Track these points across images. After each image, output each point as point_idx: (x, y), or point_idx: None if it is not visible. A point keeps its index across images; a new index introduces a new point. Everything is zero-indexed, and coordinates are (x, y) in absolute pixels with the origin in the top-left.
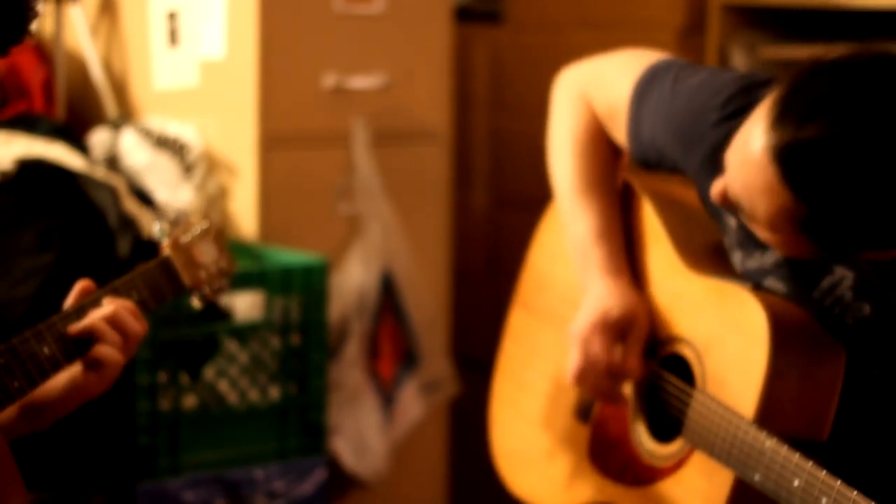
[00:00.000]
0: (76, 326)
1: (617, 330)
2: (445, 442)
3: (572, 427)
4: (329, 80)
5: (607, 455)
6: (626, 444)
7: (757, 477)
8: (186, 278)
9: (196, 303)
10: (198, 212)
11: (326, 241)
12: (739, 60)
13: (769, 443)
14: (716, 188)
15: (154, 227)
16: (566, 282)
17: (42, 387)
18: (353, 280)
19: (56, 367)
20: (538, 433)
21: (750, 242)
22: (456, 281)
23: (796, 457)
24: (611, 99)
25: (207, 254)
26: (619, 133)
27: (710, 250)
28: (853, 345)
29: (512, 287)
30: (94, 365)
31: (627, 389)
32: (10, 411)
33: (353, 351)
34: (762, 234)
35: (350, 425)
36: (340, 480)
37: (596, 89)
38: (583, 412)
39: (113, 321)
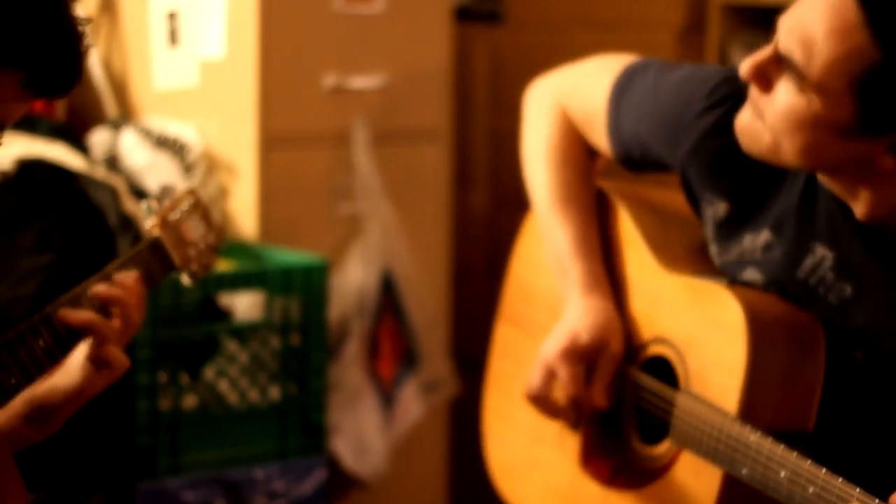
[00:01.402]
0: (73, 317)
1: (585, 355)
2: (445, 442)
3: (564, 435)
4: (329, 80)
5: (599, 460)
6: (616, 447)
7: (744, 471)
8: (176, 258)
9: (186, 279)
10: (184, 187)
11: (326, 241)
12: (739, 60)
13: (753, 437)
14: (747, 61)
15: (141, 206)
16: (548, 291)
17: (48, 389)
18: (353, 280)
19: (53, 358)
20: (530, 444)
21: (733, 231)
22: (456, 281)
23: (780, 448)
24: (588, 103)
25: (196, 230)
26: (599, 136)
27: (687, 250)
28: (838, 325)
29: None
30: (101, 365)
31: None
32: (17, 421)
33: (353, 351)
34: (795, 102)
35: (350, 425)
36: (340, 480)
37: (571, 96)
38: (574, 419)
39: (112, 301)
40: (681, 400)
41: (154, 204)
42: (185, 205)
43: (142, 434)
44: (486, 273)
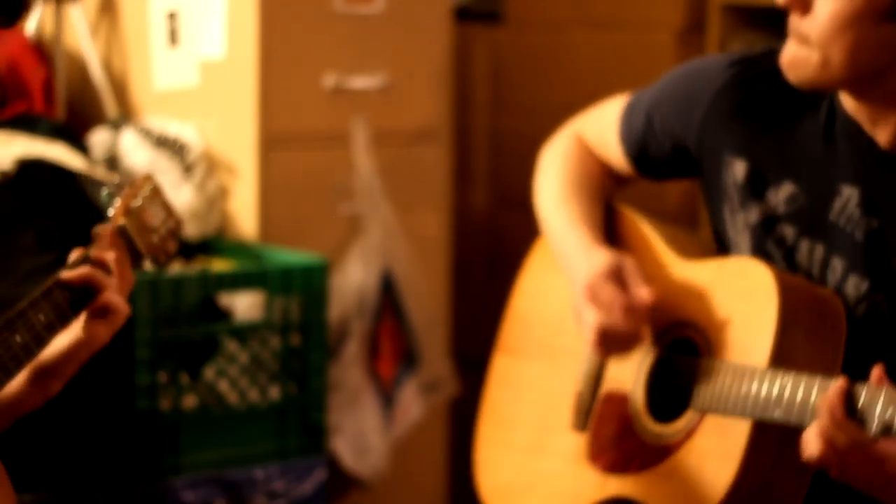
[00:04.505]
0: (69, 274)
1: (616, 276)
2: (445, 442)
3: (569, 441)
4: (329, 80)
5: (609, 453)
6: (628, 436)
7: (777, 413)
8: (141, 246)
9: (149, 265)
10: (140, 173)
11: (326, 241)
12: None
13: (786, 378)
14: None
15: (102, 192)
16: (550, 313)
17: (48, 351)
18: (353, 280)
19: (29, 354)
20: (530, 460)
21: (754, 191)
22: (456, 281)
23: (816, 380)
24: (601, 122)
25: (157, 216)
26: (612, 146)
27: (702, 249)
28: (865, 261)
29: (512, 287)
30: (101, 313)
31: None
32: (20, 381)
33: (353, 351)
34: (836, 5)
35: (350, 425)
36: (340, 480)
37: (586, 122)
38: (581, 420)
39: (103, 264)
40: (706, 366)
41: (115, 190)
42: (145, 191)
43: (142, 434)
44: (486, 273)
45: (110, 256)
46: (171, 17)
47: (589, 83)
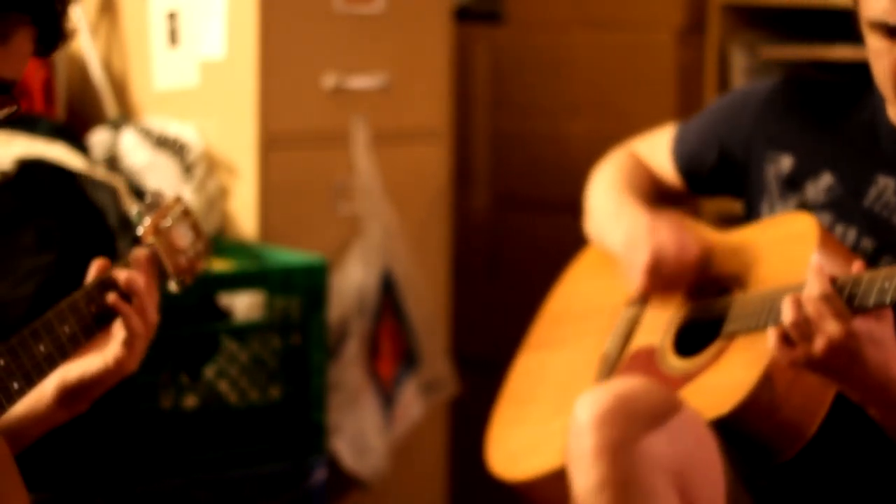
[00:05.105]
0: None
1: (676, 226)
2: (445, 442)
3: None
4: (329, 80)
5: None
6: (654, 378)
7: None
8: (169, 266)
9: (174, 286)
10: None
11: (326, 241)
12: (739, 60)
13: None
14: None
15: (132, 211)
16: (585, 307)
17: (79, 373)
18: (353, 280)
19: (53, 364)
20: (549, 422)
21: (795, 183)
22: (456, 281)
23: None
24: (654, 145)
25: (185, 238)
26: (663, 159)
27: None
28: None
29: (512, 287)
30: (127, 343)
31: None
32: (48, 400)
33: (353, 351)
34: None
35: (350, 425)
36: (340, 480)
37: (641, 144)
38: (604, 374)
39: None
40: (738, 298)
41: (144, 209)
42: (175, 212)
43: (142, 434)
44: (486, 273)
45: (141, 281)
46: (171, 17)
47: (589, 83)
